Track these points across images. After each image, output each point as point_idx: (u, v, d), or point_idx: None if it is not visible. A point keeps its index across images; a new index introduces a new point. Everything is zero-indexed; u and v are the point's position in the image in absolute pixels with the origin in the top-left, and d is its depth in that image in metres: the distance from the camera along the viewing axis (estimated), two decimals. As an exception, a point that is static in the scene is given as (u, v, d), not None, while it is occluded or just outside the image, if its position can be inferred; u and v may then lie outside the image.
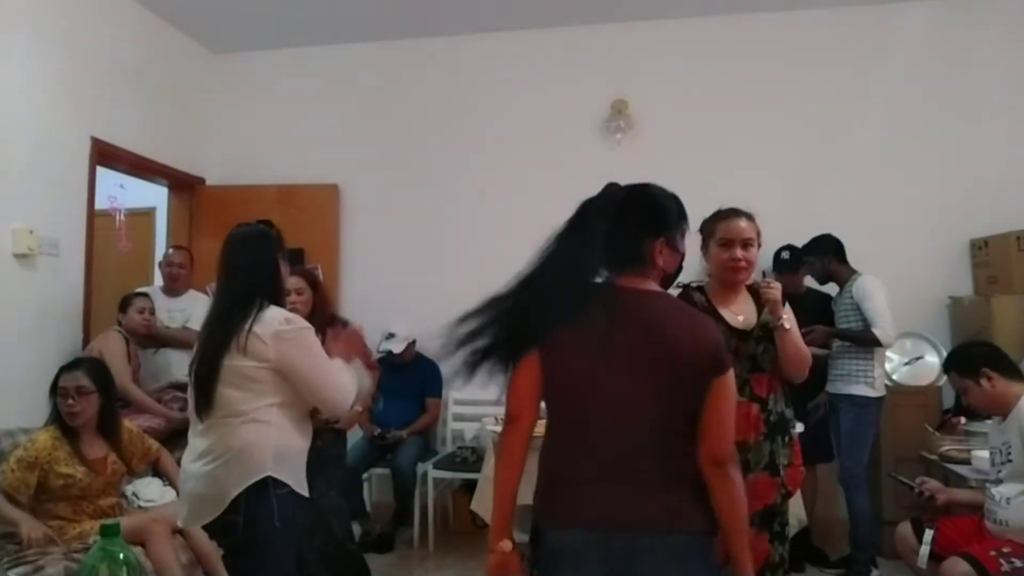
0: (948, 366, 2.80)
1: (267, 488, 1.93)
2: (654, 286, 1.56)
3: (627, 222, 1.52)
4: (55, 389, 2.77)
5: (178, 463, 3.47)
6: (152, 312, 3.75)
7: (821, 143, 4.30)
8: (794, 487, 2.29)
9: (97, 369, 2.88)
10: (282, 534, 1.95)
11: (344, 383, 2.06)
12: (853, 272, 3.64)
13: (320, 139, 4.87)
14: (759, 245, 2.25)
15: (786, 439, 2.25)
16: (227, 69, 4.99)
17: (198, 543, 2.77)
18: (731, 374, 1.48)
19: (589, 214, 1.53)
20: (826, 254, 3.73)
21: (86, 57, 3.78)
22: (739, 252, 2.18)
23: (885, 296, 3.49)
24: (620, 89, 4.50)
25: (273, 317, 1.99)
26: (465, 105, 4.73)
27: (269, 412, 1.98)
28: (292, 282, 3.24)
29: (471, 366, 1.50)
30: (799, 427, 2.99)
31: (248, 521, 1.93)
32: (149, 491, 3.21)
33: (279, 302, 2.09)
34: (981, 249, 4.00)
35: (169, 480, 3.07)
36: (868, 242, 4.05)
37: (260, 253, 2.11)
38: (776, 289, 2.22)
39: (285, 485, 1.97)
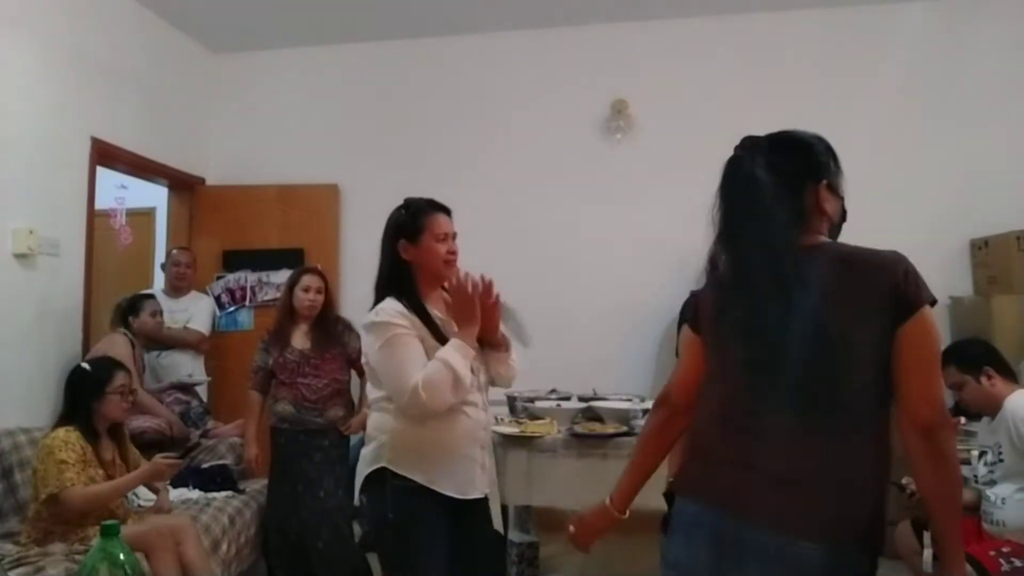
0: (947, 360, 2.71)
1: (384, 479, 1.91)
2: (823, 238, 1.41)
3: (780, 171, 1.35)
4: (93, 389, 2.74)
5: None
6: (162, 314, 3.78)
7: (821, 143, 4.30)
8: None
9: (128, 372, 2.91)
10: (395, 526, 1.89)
11: (403, 379, 1.85)
12: None
13: (320, 139, 4.87)
14: None
15: None
16: (227, 69, 4.99)
17: (189, 559, 2.71)
18: (926, 314, 1.23)
19: (744, 165, 1.38)
20: None
21: (86, 57, 3.78)
22: None
23: None
24: (620, 89, 4.50)
25: (372, 311, 1.97)
26: (465, 105, 4.73)
27: (389, 402, 1.95)
28: (311, 281, 3.27)
29: None
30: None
31: (369, 509, 1.97)
32: (148, 491, 3.22)
33: (405, 291, 1.98)
34: (981, 249, 4.00)
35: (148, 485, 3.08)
36: (868, 242, 4.04)
37: (384, 242, 2.05)
38: None
39: (406, 479, 1.89)
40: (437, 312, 2.01)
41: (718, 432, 1.37)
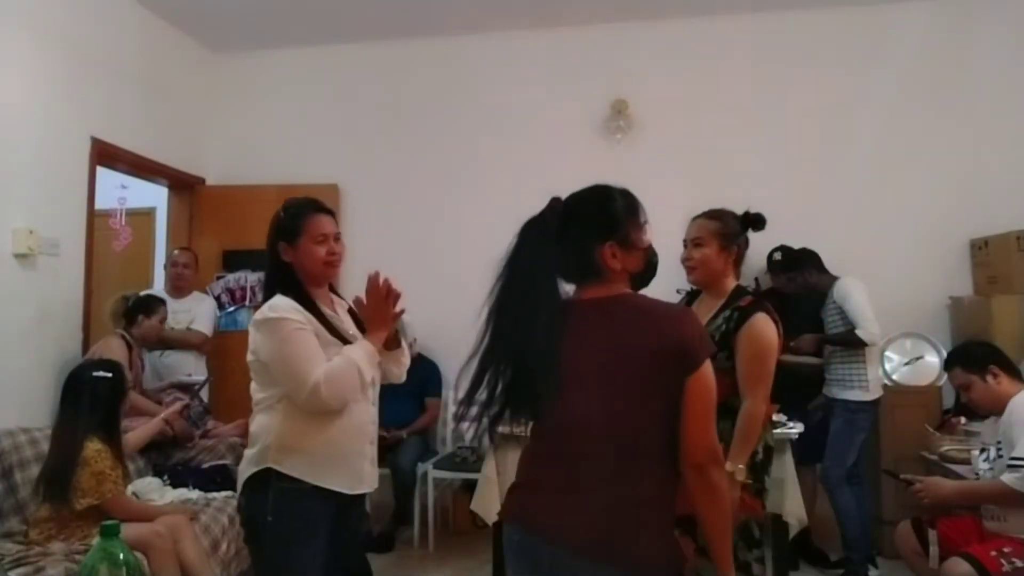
0: (952, 362, 2.77)
1: (267, 480, 1.87)
2: (620, 290, 1.51)
3: (572, 233, 1.49)
4: (119, 391, 2.80)
5: (177, 465, 3.54)
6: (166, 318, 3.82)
7: (821, 143, 4.30)
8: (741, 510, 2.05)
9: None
10: (275, 529, 1.85)
11: (303, 375, 1.83)
12: (834, 278, 3.65)
13: (320, 139, 4.87)
14: (720, 245, 2.23)
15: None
16: (227, 69, 4.99)
17: (188, 558, 2.73)
18: (705, 370, 1.39)
19: (531, 235, 1.48)
20: (804, 268, 3.75)
21: (86, 57, 3.78)
22: (689, 252, 2.28)
23: (865, 295, 3.50)
24: (620, 89, 4.50)
25: (264, 307, 1.94)
26: (465, 105, 4.73)
27: (277, 402, 1.91)
28: None
29: (491, 432, 1.51)
30: (799, 427, 3.00)
31: (247, 510, 1.92)
32: (150, 491, 3.22)
33: (292, 289, 1.96)
34: (981, 249, 4.00)
35: None
36: (868, 242, 4.06)
37: (267, 243, 2.03)
38: None
39: (292, 479, 1.86)
40: (326, 309, 2.02)
41: (531, 465, 1.52)
